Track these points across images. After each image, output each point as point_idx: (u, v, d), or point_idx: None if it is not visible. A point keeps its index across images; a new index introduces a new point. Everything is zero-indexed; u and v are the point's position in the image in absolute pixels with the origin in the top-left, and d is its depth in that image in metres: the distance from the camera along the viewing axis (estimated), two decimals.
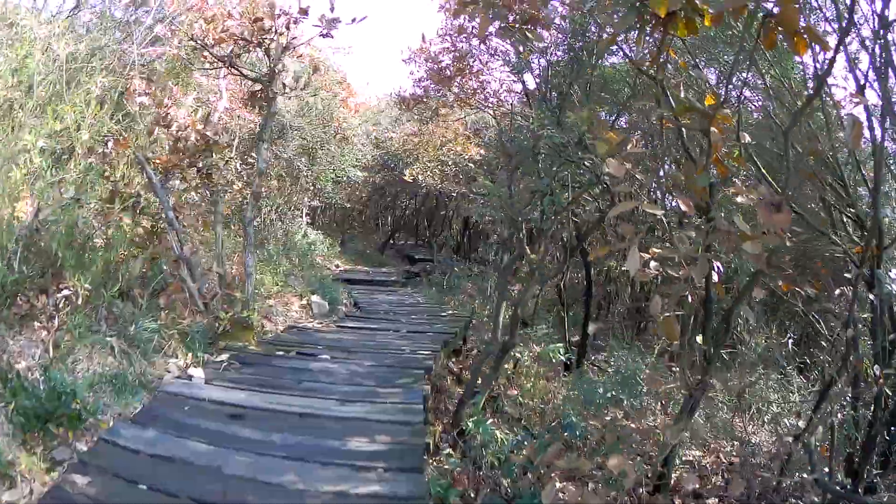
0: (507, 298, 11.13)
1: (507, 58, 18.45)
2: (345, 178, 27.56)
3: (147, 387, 8.36)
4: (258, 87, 12.84)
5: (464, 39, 18.63)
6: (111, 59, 12.24)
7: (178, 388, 8.55)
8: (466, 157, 25.94)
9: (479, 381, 10.11)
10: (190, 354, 9.79)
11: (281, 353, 11.12)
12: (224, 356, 10.15)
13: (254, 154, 20.79)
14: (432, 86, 21.21)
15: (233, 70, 12.35)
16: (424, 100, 22.27)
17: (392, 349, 12.22)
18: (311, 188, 26.33)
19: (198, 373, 9.23)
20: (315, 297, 16.68)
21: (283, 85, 12.26)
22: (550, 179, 10.39)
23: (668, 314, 5.28)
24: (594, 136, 6.72)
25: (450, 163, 26.56)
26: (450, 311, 18.49)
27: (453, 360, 14.27)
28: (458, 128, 26.69)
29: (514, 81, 19.46)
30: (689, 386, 6.44)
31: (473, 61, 19.40)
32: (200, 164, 11.72)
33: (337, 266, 26.66)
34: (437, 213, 38.12)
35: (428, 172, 26.45)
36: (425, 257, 33.01)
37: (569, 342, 16.71)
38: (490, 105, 19.91)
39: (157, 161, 11.30)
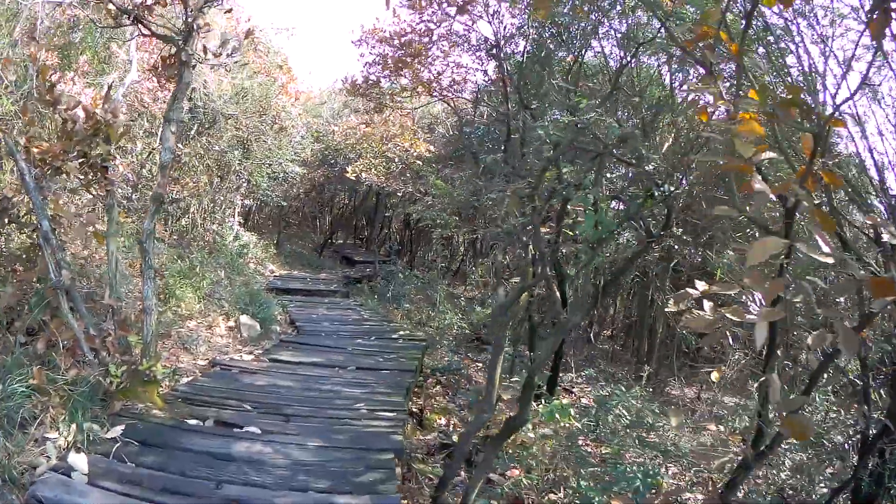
0: (502, 346, 7.98)
1: (472, 43, 15.69)
2: (282, 174, 24.82)
3: (15, 483, 5.57)
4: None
5: (424, 19, 15.57)
6: None
7: (54, 490, 5.50)
8: (414, 153, 23.43)
9: (473, 468, 7.41)
10: (74, 426, 6.61)
11: (194, 421, 7.91)
12: (118, 429, 6.96)
13: (179, 145, 18.00)
14: (383, 74, 18.05)
15: (140, 27, 8.85)
16: (377, 84, 18.99)
17: (343, 408, 9.20)
18: (245, 184, 23.57)
19: (80, 462, 6.03)
20: (244, 318, 13.87)
21: (205, 49, 8.88)
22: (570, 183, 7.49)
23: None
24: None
25: (395, 159, 24.23)
26: (400, 332, 15.88)
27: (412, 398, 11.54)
28: (407, 122, 24.24)
29: (478, 70, 16.34)
30: None
31: (432, 47, 16.24)
32: (93, 154, 8.28)
33: (272, 271, 24.06)
34: (378, 211, 35.57)
35: (372, 170, 23.96)
36: (365, 259, 30.68)
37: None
38: (449, 94, 16.71)
39: (37, 149, 7.99)
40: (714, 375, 8.19)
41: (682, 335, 16.12)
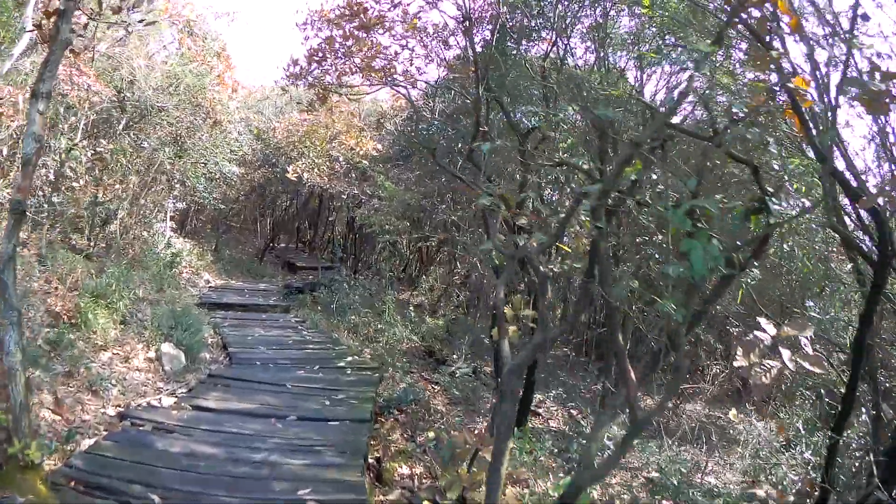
0: (509, 422, 5.95)
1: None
2: (218, 175, 22.74)
3: None
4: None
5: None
6: None
7: None
8: (361, 152, 21.40)
9: None
10: None
11: None
12: None
13: (103, 141, 15.83)
14: (329, 60, 15.73)
15: None
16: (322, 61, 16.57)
17: (283, 494, 6.98)
18: (179, 186, 21.62)
19: None
20: (167, 347, 11.71)
21: (100, 3, 6.61)
22: None
23: None
24: None
25: (340, 159, 22.53)
26: (348, 358, 13.80)
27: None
28: (352, 118, 22.09)
29: (438, 56, 14.22)
30: None
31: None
32: None
33: (207, 282, 21.94)
34: (321, 214, 34.17)
35: (315, 170, 22.04)
36: (308, 265, 29.01)
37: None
38: (402, 83, 14.50)
39: None
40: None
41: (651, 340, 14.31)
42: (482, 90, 11.76)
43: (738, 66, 10.66)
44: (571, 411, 15.34)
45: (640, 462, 11.66)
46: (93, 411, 8.75)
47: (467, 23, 12.05)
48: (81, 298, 11.19)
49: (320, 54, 13.31)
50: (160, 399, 9.74)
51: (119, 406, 9.16)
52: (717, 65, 10.13)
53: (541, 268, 6.38)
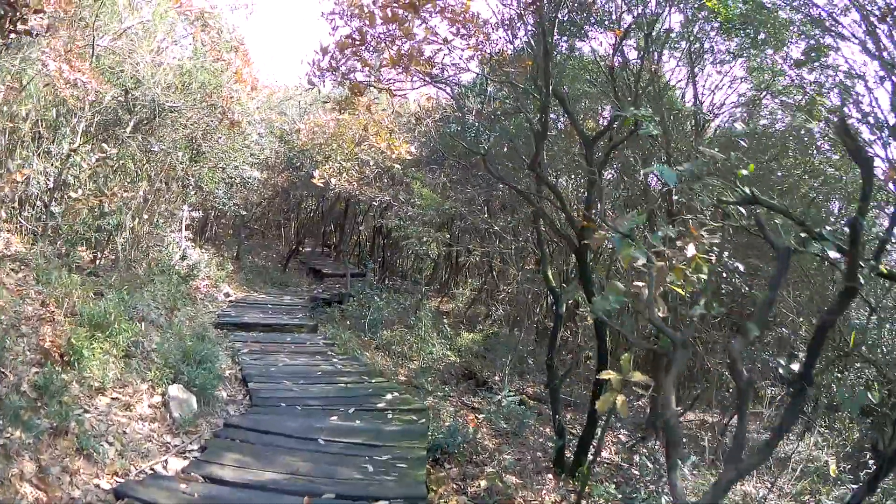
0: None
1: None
2: (238, 180, 20.96)
3: None
4: None
5: None
6: None
7: None
8: (393, 155, 19.31)
9: None
10: None
11: None
12: None
13: (106, 146, 14.07)
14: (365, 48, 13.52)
15: None
16: (357, 55, 14.39)
17: None
18: (195, 192, 19.61)
19: None
20: (175, 389, 9.61)
21: None
22: None
23: None
24: None
25: (371, 163, 20.44)
26: (388, 396, 11.63)
27: None
28: (383, 118, 20.38)
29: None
30: None
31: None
32: None
33: (227, 295, 19.89)
34: (347, 218, 32.02)
35: (343, 175, 20.16)
36: (335, 272, 27.43)
37: (557, 419, 11.05)
38: (447, 78, 12.43)
39: None
40: None
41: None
42: (541, 86, 10.00)
43: None
44: (621, 437, 13.54)
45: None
46: (84, 484, 6.78)
47: (535, 5, 10.13)
48: (77, 329, 9.20)
49: (356, 39, 11.06)
50: (166, 462, 7.78)
51: (116, 474, 7.21)
52: None
53: (745, 372, 4.47)
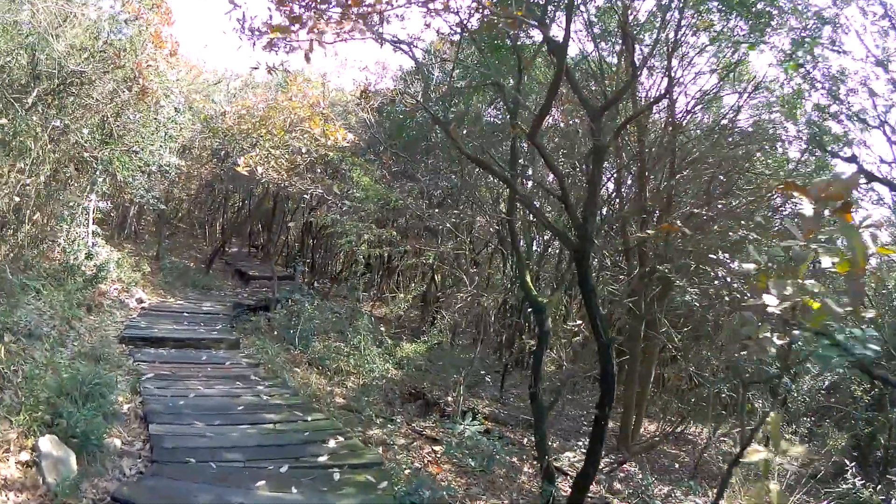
0: None
1: None
2: (155, 167, 17.79)
3: None
4: None
5: None
6: None
7: None
8: (328, 142, 17.03)
9: None
10: None
11: None
12: None
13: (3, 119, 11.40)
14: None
15: None
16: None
17: None
18: (105, 181, 16.97)
19: None
20: (47, 443, 6.52)
21: None
22: None
23: None
24: None
25: (303, 150, 17.90)
26: (331, 442, 8.83)
27: None
28: (318, 101, 17.92)
29: None
30: None
31: None
32: None
33: (140, 301, 16.72)
34: (276, 216, 29.43)
35: (271, 162, 17.23)
36: (262, 274, 25.01)
37: (547, 461, 9.11)
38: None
39: None
40: None
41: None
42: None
43: None
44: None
45: None
46: None
47: None
48: None
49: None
50: None
51: None
52: None
53: None
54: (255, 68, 9.14)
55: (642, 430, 14.65)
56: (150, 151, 16.41)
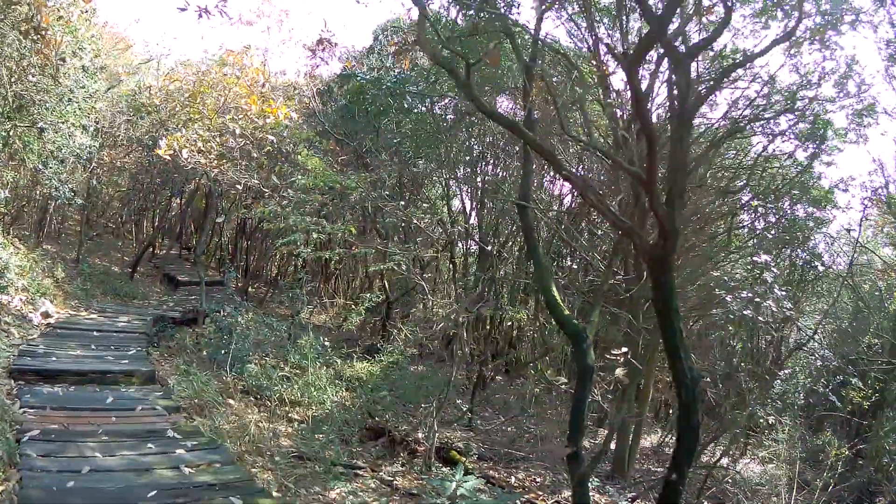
0: None
1: None
2: (67, 150, 14.74)
3: None
4: None
5: None
6: None
7: None
8: (266, 125, 14.48)
9: None
10: None
11: None
12: None
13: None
14: None
15: None
16: None
17: None
18: (5, 164, 14.59)
19: None
20: None
21: None
22: None
23: None
24: None
25: (237, 132, 14.64)
26: None
27: None
28: (258, 76, 15.63)
29: None
30: None
31: None
32: None
33: (46, 315, 13.31)
34: (208, 215, 25.07)
35: (198, 145, 13.84)
36: (193, 279, 21.28)
37: None
38: None
39: None
40: None
41: None
42: None
43: None
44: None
45: None
46: None
47: None
48: None
49: None
50: None
51: None
52: None
53: None
54: (184, 9, 6.86)
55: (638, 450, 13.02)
56: (57, 129, 13.45)
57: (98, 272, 19.84)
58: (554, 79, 11.50)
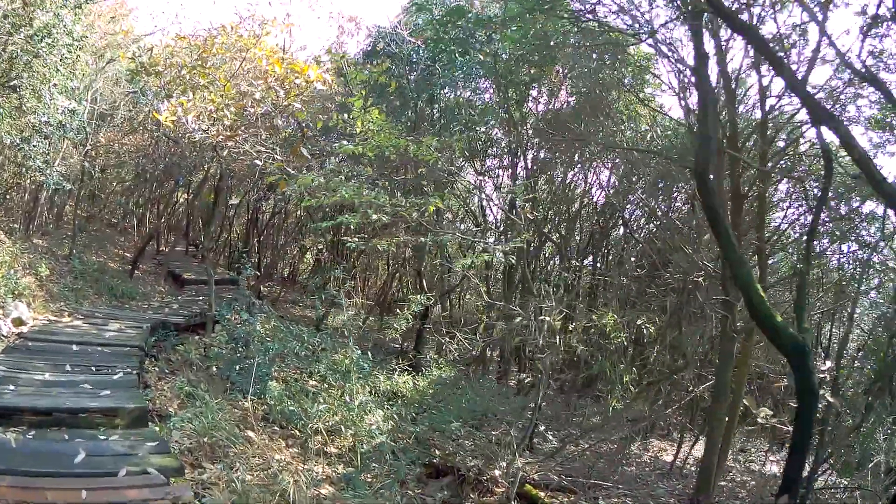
0: None
1: None
2: (49, 117, 12.29)
3: None
4: None
5: None
6: None
7: None
8: (296, 84, 11.75)
9: None
10: None
11: None
12: None
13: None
14: None
15: None
16: None
17: None
18: None
19: None
20: None
21: None
22: None
23: None
24: None
25: (256, 95, 11.85)
26: None
27: None
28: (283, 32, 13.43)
29: None
30: None
31: None
32: None
33: (19, 322, 10.28)
34: (217, 207, 23.04)
35: (208, 111, 11.25)
36: (200, 277, 18.94)
37: None
38: None
39: None
40: None
41: None
42: None
43: None
44: None
45: None
46: None
47: None
48: None
49: None
50: None
51: None
52: None
53: None
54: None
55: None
56: (36, 93, 11.11)
57: (92, 269, 17.09)
58: None
